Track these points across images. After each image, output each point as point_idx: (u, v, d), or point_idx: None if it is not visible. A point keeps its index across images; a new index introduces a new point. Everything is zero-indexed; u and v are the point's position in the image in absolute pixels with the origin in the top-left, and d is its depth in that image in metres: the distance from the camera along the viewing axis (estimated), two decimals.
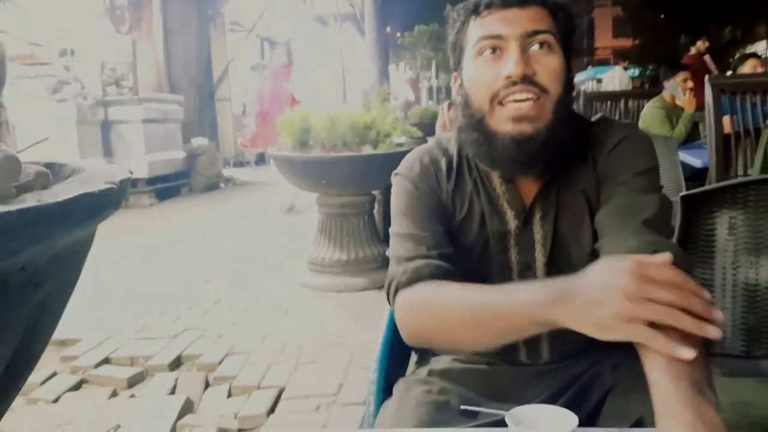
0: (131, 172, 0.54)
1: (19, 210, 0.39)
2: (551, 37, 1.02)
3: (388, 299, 1.08)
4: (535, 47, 1.02)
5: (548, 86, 1.01)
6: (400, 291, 1.04)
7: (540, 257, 1.10)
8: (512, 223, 1.11)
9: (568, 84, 1.06)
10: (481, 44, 1.03)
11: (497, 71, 1.01)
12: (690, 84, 4.49)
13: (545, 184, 1.09)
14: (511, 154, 1.02)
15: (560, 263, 1.09)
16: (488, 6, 1.03)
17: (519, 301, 0.85)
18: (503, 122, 1.02)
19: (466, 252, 1.11)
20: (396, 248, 1.10)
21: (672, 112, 4.54)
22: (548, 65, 1.02)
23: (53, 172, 0.58)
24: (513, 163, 1.05)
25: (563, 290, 0.80)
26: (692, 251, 1.47)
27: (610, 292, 0.74)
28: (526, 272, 1.11)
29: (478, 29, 1.05)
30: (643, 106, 4.86)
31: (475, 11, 1.05)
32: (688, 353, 0.70)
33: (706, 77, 3.34)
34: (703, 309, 0.72)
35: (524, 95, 1.00)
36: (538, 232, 1.10)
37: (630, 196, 1.03)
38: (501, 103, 1.02)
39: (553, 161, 1.06)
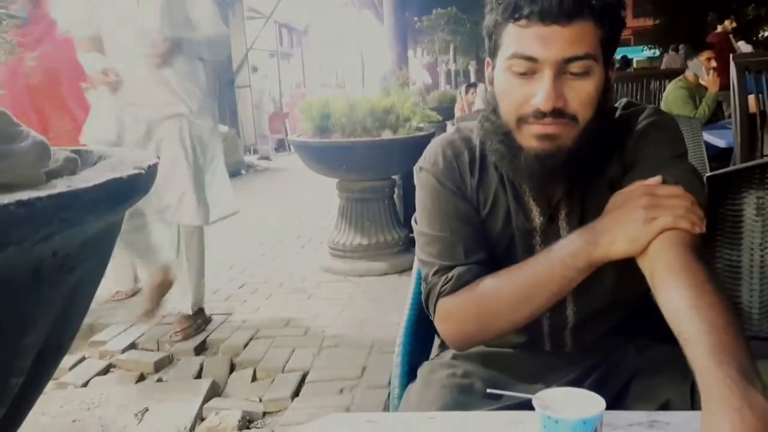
0: (158, 158, 0.55)
1: (49, 196, 0.40)
2: (590, 62, 0.94)
3: (427, 308, 1.08)
4: (572, 70, 0.94)
5: (578, 114, 0.96)
6: (441, 299, 1.04)
7: None
8: (537, 220, 1.08)
9: (604, 97, 0.99)
10: (513, 62, 0.96)
11: (527, 93, 0.96)
12: (714, 63, 4.40)
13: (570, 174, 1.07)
14: (534, 169, 1.00)
15: None
16: (527, 16, 0.93)
17: (560, 255, 0.95)
18: (528, 139, 0.98)
19: (490, 248, 1.10)
20: (426, 249, 1.09)
21: (695, 92, 4.46)
22: (581, 93, 0.95)
23: (81, 159, 0.59)
24: (535, 177, 1.03)
25: (594, 230, 0.93)
26: (719, 232, 1.45)
27: (630, 211, 0.91)
28: None
29: (512, 40, 0.96)
30: (665, 87, 4.79)
31: (513, 16, 0.95)
32: (703, 228, 0.91)
33: (731, 56, 3.28)
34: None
35: (551, 127, 0.96)
36: (564, 229, 1.07)
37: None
38: (527, 123, 0.98)
39: (578, 171, 1.04)
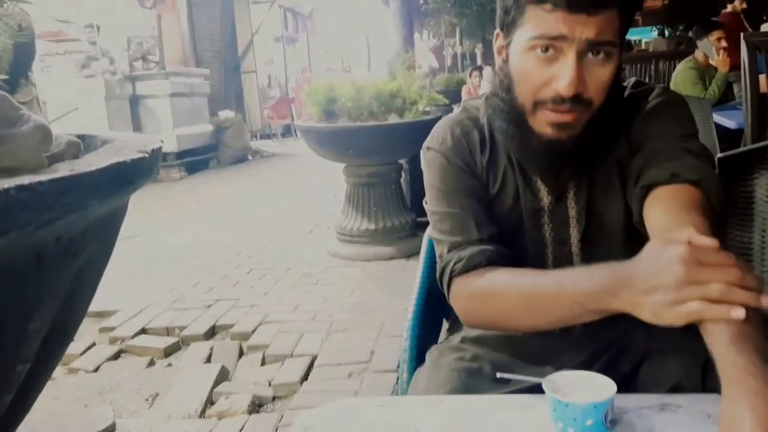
0: (162, 142, 0.54)
1: (51, 180, 0.39)
2: (611, 48, 0.93)
3: (441, 285, 1.07)
4: (594, 55, 0.92)
5: (594, 99, 0.95)
6: (455, 279, 1.03)
7: (575, 233, 1.08)
8: (546, 199, 1.08)
9: (616, 80, 0.98)
10: (536, 42, 0.93)
11: (548, 76, 0.93)
12: (724, 43, 4.34)
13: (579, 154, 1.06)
14: (544, 155, 1.00)
15: (594, 238, 1.07)
16: (554, 2, 0.90)
17: (575, 290, 0.86)
18: (543, 125, 0.97)
19: (500, 227, 1.08)
20: (438, 226, 1.08)
21: (705, 73, 4.41)
22: (600, 78, 0.93)
23: (84, 144, 0.58)
24: (544, 162, 1.02)
25: (618, 280, 0.81)
26: (730, 214, 1.43)
27: (663, 280, 0.75)
28: (561, 248, 1.08)
29: (536, 21, 0.93)
30: (674, 67, 4.73)
31: (537, 0, 0.92)
32: (742, 313, 0.71)
33: (742, 35, 3.23)
34: (753, 283, 0.73)
35: (567, 115, 0.94)
36: (572, 208, 1.07)
37: (668, 161, 0.98)
38: (543, 107, 0.96)
39: (588, 153, 1.02)
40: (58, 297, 0.47)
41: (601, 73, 0.93)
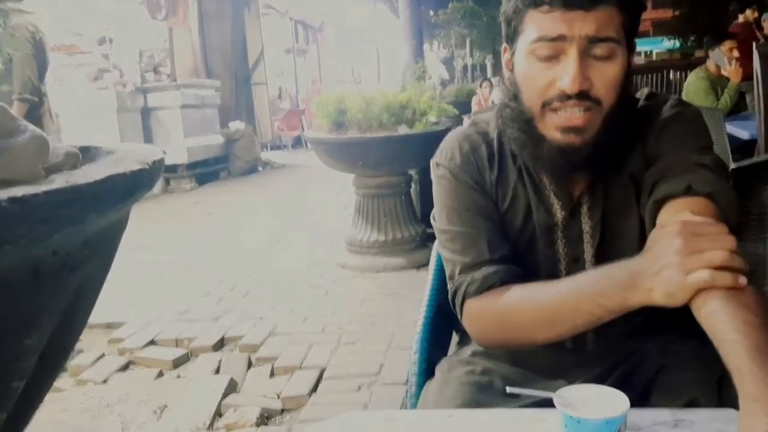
0: (164, 153, 0.53)
1: (46, 192, 0.38)
2: (614, 45, 0.92)
3: (453, 307, 1.06)
4: (596, 53, 0.92)
5: (602, 98, 0.94)
6: (468, 300, 1.02)
7: (588, 249, 1.05)
8: (559, 214, 1.05)
9: (626, 82, 0.97)
10: (537, 45, 0.94)
11: (552, 76, 0.94)
12: (736, 53, 4.32)
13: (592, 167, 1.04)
14: (556, 161, 0.98)
15: (609, 255, 1.04)
16: (550, 3, 0.91)
17: (594, 291, 0.87)
18: (552, 130, 0.96)
19: (512, 243, 1.07)
20: (449, 246, 1.07)
21: (717, 83, 4.38)
22: (606, 76, 0.93)
23: (88, 156, 0.57)
24: (557, 169, 1.01)
25: (631, 273, 0.83)
26: (743, 225, 1.41)
27: (666, 257, 0.79)
28: (574, 265, 1.06)
29: (535, 24, 0.94)
30: (686, 77, 4.71)
31: (535, 2, 0.93)
32: (745, 280, 0.76)
33: (755, 45, 3.21)
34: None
35: (576, 109, 0.94)
36: (586, 224, 1.05)
37: (681, 175, 0.97)
38: (552, 110, 0.95)
39: (601, 163, 1.00)
40: (56, 312, 0.46)
41: (606, 70, 0.93)
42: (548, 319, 0.93)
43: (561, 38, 0.92)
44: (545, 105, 0.96)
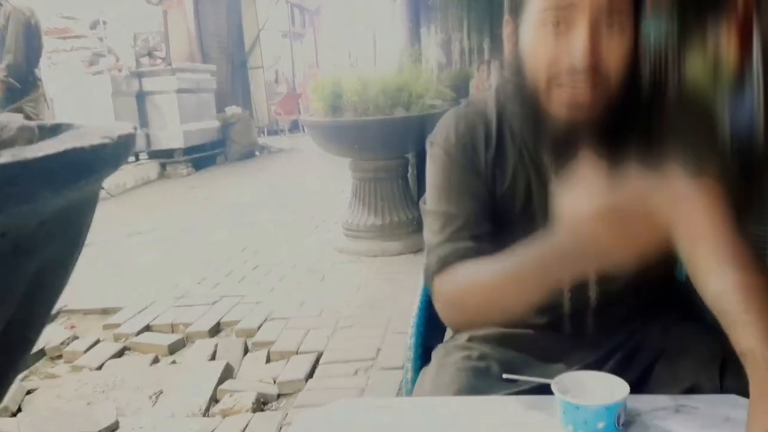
0: (135, 128, 0.50)
1: None
2: (625, 18, 0.89)
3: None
4: (608, 24, 0.88)
5: (611, 74, 0.90)
6: (435, 279, 1.00)
7: None
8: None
9: (634, 60, 0.94)
10: (546, 14, 0.90)
11: (560, 49, 0.89)
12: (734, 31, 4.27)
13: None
14: (560, 139, 0.95)
15: None
16: None
17: (540, 250, 0.84)
18: (557, 105, 0.93)
19: (510, 228, 1.04)
20: (428, 228, 1.05)
21: (717, 61, 4.34)
22: (617, 50, 0.89)
23: (59, 132, 0.54)
24: (560, 147, 0.97)
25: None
26: (746, 208, 1.38)
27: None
28: None
29: None
30: (686, 56, 4.66)
31: None
32: None
33: (755, 22, 3.16)
34: None
35: (584, 85, 0.90)
36: None
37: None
38: (558, 85, 0.92)
39: (605, 141, 0.97)
40: (12, 300, 0.43)
41: (617, 44, 0.90)
42: (508, 287, 0.90)
43: (572, 6, 0.88)
44: (551, 79, 0.92)
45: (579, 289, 1.02)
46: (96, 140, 0.43)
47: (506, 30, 1.01)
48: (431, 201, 1.06)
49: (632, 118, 0.98)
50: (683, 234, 0.82)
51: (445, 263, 0.98)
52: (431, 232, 1.04)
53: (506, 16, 1.00)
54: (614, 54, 0.90)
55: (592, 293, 1.04)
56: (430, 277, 1.01)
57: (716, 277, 0.76)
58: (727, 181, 0.90)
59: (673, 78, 1.10)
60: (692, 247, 0.83)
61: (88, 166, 0.44)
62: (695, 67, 4.29)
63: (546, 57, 0.92)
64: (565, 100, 0.92)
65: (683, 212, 0.85)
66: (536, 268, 0.84)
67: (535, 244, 0.83)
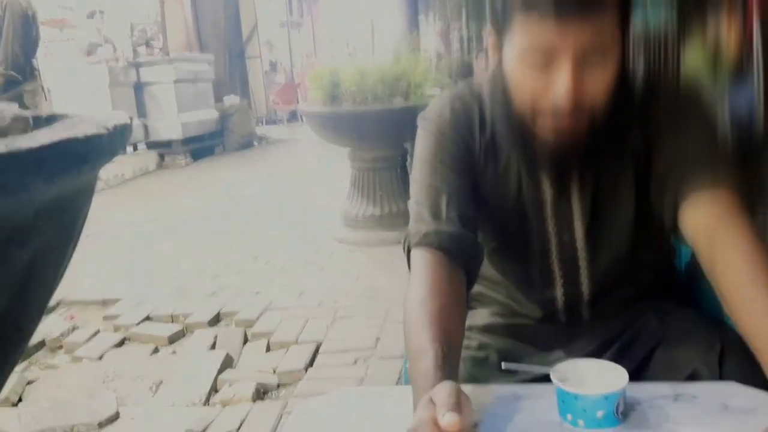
0: (130, 118, 0.49)
1: None
2: (611, 42, 0.86)
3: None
4: (592, 59, 0.85)
5: (596, 101, 0.88)
6: (412, 250, 0.99)
7: (579, 227, 1.01)
8: (549, 192, 1.01)
9: (621, 71, 0.90)
10: (529, 54, 0.87)
11: (543, 87, 0.87)
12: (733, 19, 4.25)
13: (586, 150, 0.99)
14: (548, 158, 0.95)
15: (601, 232, 1.02)
16: (541, 10, 0.83)
17: (413, 375, 0.81)
18: (544, 130, 0.91)
19: (502, 216, 1.03)
20: (415, 197, 1.03)
21: (716, 51, 4.32)
22: (601, 81, 0.87)
23: (54, 123, 0.53)
24: (549, 163, 0.97)
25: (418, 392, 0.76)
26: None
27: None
28: (566, 242, 1.03)
29: (525, 31, 0.86)
30: (684, 46, 4.64)
31: (525, 7, 0.86)
32: None
33: (755, 14, 3.14)
34: None
35: (567, 116, 0.88)
36: (576, 204, 1.01)
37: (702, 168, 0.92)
38: (542, 114, 0.90)
39: (596, 146, 0.95)
40: (6, 290, 0.42)
41: (601, 75, 0.87)
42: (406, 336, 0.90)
43: (554, 49, 0.84)
44: (534, 110, 0.91)
45: (571, 284, 1.02)
46: (90, 130, 0.42)
47: (489, 40, 0.98)
48: (418, 171, 1.04)
49: (625, 122, 0.96)
50: (711, 256, 0.83)
51: (425, 242, 0.96)
52: (416, 204, 1.01)
53: (489, 26, 0.97)
54: (597, 83, 0.87)
55: (585, 288, 1.04)
56: (406, 247, 1.01)
57: (750, 299, 0.75)
58: (741, 184, 0.90)
59: (672, 72, 1.08)
60: (723, 269, 0.84)
61: (83, 155, 0.43)
62: (694, 59, 4.27)
63: (529, 93, 0.90)
64: (550, 125, 0.90)
65: (713, 231, 0.85)
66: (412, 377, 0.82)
67: (427, 369, 0.78)
